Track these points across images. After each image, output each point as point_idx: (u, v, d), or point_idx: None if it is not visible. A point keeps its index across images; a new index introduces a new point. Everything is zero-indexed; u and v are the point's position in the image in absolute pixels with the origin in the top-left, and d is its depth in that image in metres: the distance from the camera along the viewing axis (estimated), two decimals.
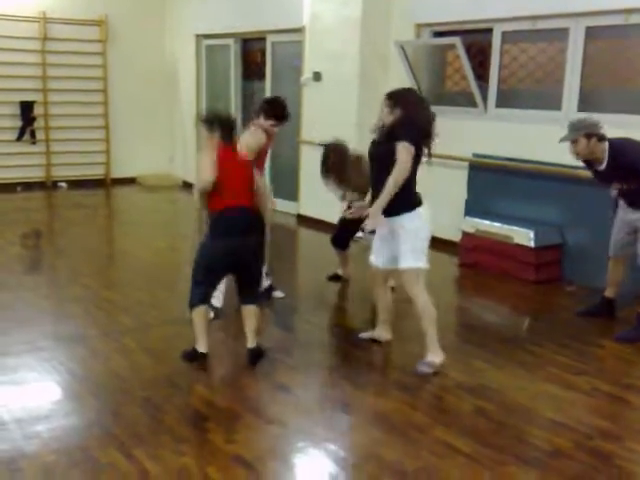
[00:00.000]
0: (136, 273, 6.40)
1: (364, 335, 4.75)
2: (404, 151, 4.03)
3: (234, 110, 10.27)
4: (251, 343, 4.32)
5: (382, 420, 3.66)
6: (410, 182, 4.15)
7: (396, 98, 4.23)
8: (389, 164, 4.05)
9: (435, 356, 4.25)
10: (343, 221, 5.85)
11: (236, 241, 4.14)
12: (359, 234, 6.88)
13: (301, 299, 5.88)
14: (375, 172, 4.29)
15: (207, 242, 4.25)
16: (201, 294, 4.21)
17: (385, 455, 3.29)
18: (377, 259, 4.48)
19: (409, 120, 4.12)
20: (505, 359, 4.48)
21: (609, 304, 5.27)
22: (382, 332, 4.71)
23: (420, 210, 4.21)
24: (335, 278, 6.17)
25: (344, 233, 6.03)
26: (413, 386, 4.06)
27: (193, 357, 4.25)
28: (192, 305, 4.20)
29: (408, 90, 4.56)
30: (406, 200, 4.16)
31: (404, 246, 4.19)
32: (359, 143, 7.18)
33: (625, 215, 4.99)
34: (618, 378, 4.25)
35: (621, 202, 5.00)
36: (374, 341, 4.70)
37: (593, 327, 5.16)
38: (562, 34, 6.32)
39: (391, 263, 4.39)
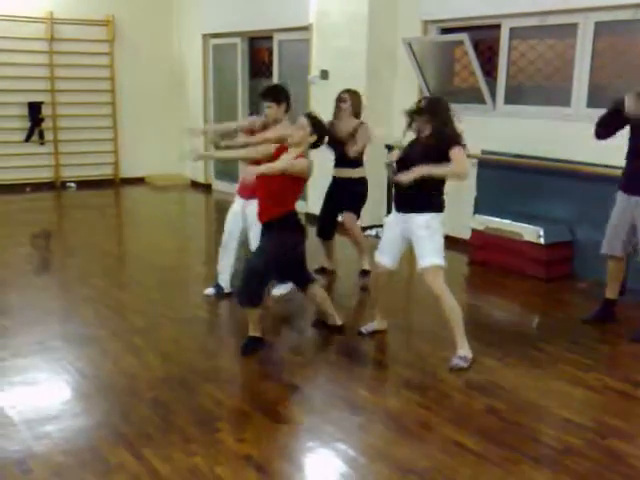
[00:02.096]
0: (146, 273, 6.40)
1: (367, 328, 4.80)
2: (463, 155, 4.22)
3: (240, 109, 10.29)
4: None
5: (392, 419, 3.65)
6: (443, 185, 4.36)
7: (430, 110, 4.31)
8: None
9: (467, 351, 4.34)
10: (323, 211, 6.21)
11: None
12: (371, 232, 6.91)
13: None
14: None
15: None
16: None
17: (395, 454, 3.28)
18: (385, 258, 4.52)
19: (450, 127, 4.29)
20: (515, 357, 4.46)
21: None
22: (383, 322, 4.85)
23: (442, 214, 4.37)
24: (321, 271, 6.25)
25: (326, 223, 6.20)
26: (423, 385, 4.04)
27: (258, 344, 4.43)
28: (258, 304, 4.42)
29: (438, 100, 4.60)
30: (437, 200, 4.35)
31: (428, 244, 4.29)
32: None
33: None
34: (630, 376, 4.22)
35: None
36: (375, 333, 4.81)
37: (604, 324, 5.13)
38: (571, 30, 6.28)
39: (397, 262, 4.56)
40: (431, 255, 4.28)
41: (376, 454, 3.30)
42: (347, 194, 6.07)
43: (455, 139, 4.24)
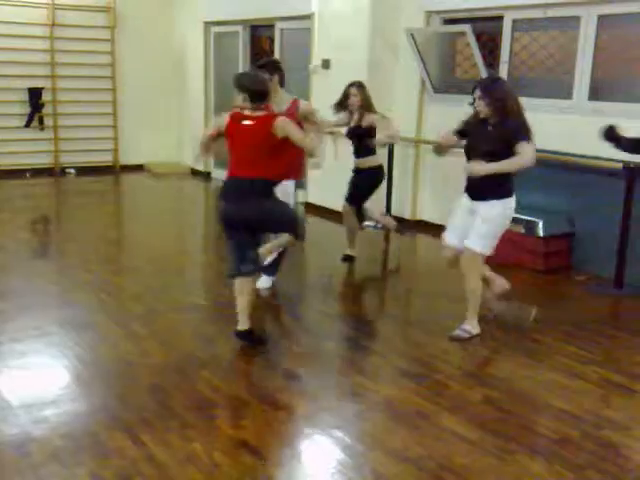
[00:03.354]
0: (145, 260, 6.40)
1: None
2: (532, 148, 4.28)
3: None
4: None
5: (389, 407, 3.66)
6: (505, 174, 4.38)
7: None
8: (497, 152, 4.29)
9: (472, 327, 4.56)
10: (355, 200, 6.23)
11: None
12: (369, 223, 6.89)
13: (309, 286, 5.89)
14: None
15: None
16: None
17: (391, 443, 3.29)
18: (451, 238, 4.62)
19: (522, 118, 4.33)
20: (513, 348, 4.48)
21: None
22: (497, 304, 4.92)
23: (507, 200, 4.44)
24: (348, 259, 6.24)
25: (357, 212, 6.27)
26: (420, 374, 4.06)
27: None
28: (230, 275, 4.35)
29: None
30: (498, 188, 4.39)
31: (476, 228, 4.41)
32: None
33: None
34: (626, 368, 4.24)
35: None
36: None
37: (602, 317, 5.15)
38: (574, 22, 6.27)
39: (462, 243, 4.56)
40: (472, 238, 4.43)
41: (372, 442, 3.32)
42: (371, 181, 6.25)
43: (522, 132, 4.27)
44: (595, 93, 6.16)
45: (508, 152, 4.24)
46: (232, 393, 3.78)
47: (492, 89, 4.33)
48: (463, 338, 4.50)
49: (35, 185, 9.98)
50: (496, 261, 4.89)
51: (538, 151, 6.28)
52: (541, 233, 6.09)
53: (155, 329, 4.64)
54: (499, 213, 4.42)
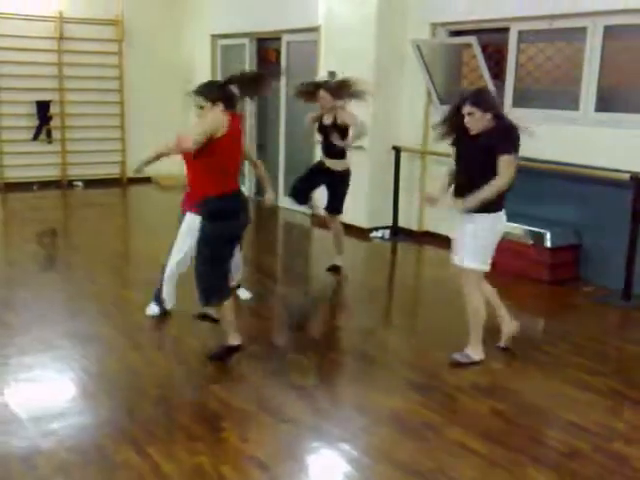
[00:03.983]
0: (151, 272, 6.37)
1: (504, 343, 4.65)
2: (509, 164, 4.11)
3: (248, 110, 10.30)
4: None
5: (396, 420, 3.64)
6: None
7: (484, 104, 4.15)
8: (484, 166, 4.13)
9: (474, 352, 4.37)
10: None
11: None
12: (377, 234, 6.87)
13: (314, 298, 5.87)
14: (466, 171, 4.27)
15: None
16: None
17: (399, 455, 3.28)
18: (454, 255, 4.48)
19: (507, 129, 4.15)
20: (521, 360, 4.46)
21: None
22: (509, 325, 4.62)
23: (496, 214, 4.26)
24: (334, 269, 6.29)
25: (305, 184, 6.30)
26: (428, 387, 4.04)
27: (227, 353, 4.29)
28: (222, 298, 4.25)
29: (488, 93, 4.50)
30: (488, 202, 4.17)
31: (468, 244, 4.27)
32: (372, 144, 7.22)
33: None
34: (636, 379, 4.21)
35: None
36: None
37: (610, 328, 5.13)
38: (580, 33, 6.27)
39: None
40: (467, 256, 4.28)
41: (380, 455, 3.30)
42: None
43: (505, 145, 4.12)
44: (602, 104, 6.15)
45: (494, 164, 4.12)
46: (239, 406, 3.76)
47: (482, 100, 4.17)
48: (460, 362, 4.33)
49: (43, 198, 10.01)
50: (503, 272, 4.87)
51: (546, 162, 6.35)
52: (548, 244, 6.07)
53: (161, 341, 4.64)
54: (489, 227, 4.24)
